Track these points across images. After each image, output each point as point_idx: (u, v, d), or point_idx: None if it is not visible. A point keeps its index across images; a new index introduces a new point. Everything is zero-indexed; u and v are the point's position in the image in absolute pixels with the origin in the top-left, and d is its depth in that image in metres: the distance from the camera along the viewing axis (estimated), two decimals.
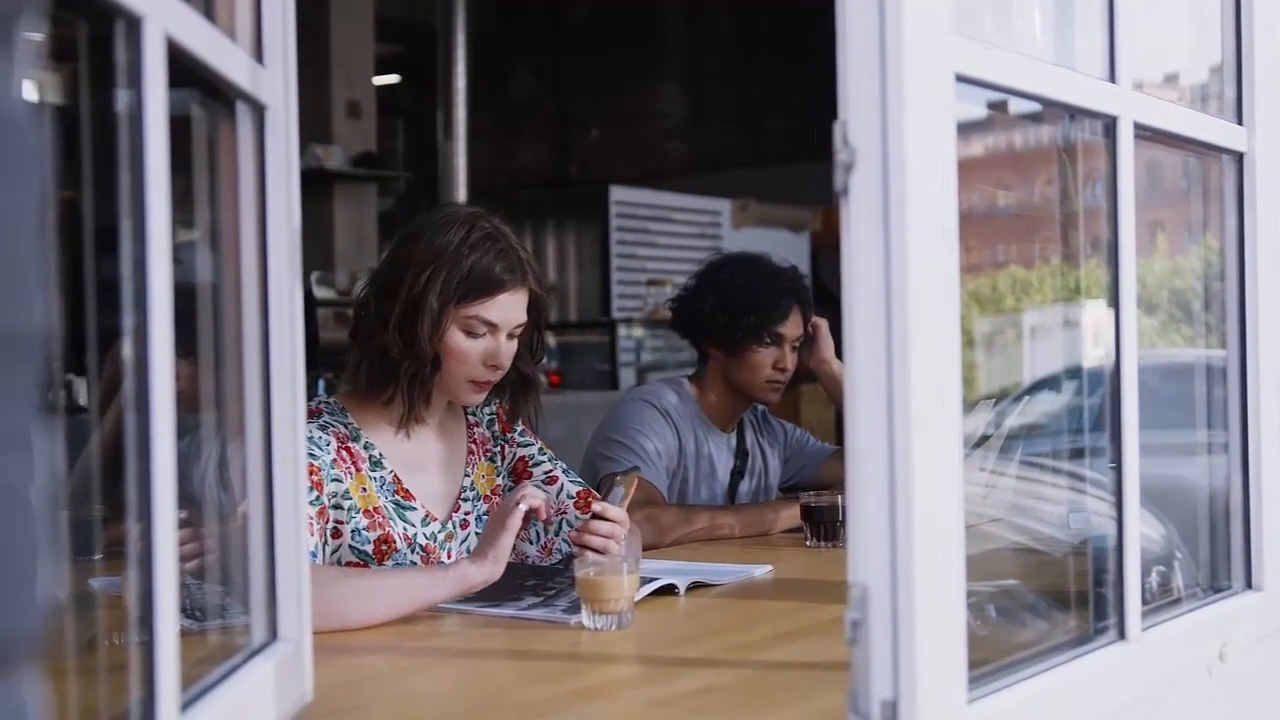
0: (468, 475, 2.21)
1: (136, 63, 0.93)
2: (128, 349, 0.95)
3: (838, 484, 2.87)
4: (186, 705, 1.03)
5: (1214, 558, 1.77)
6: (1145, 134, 1.48)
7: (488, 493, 2.24)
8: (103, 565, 1.72)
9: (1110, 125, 1.43)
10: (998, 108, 1.40)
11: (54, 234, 0.56)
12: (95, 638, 1.29)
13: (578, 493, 2.24)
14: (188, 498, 1.07)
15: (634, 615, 1.79)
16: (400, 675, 1.60)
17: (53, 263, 0.55)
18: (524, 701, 1.47)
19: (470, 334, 2.06)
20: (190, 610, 1.30)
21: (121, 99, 0.95)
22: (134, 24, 0.93)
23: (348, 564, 2.03)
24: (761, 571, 2.25)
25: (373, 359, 2.08)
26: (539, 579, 2.04)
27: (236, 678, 1.18)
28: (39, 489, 0.52)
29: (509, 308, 2.07)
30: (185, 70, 1.06)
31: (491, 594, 1.98)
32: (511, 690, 1.52)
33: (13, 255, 0.51)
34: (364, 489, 2.06)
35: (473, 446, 2.24)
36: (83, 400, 2.47)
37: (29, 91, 0.56)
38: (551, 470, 2.26)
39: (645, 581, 1.94)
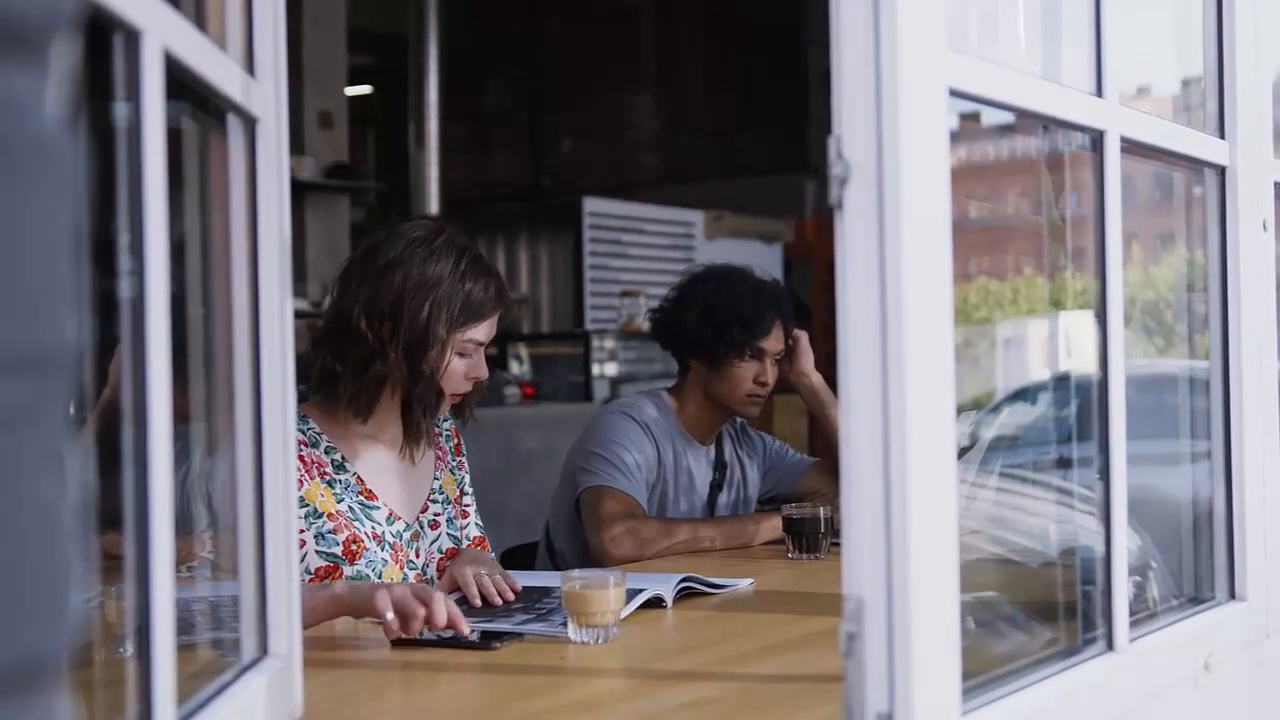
0: (436, 478, 2.29)
1: (135, 76, 0.93)
2: (125, 363, 0.94)
3: (817, 495, 2.87)
4: None
5: (1197, 568, 1.78)
6: (1130, 147, 1.50)
7: (453, 499, 2.31)
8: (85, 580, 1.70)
9: (1098, 139, 1.44)
10: (970, 119, 1.41)
11: (86, 252, 0.56)
12: (89, 648, 1.28)
13: (475, 537, 2.35)
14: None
15: (619, 629, 1.79)
16: (389, 691, 1.59)
17: (84, 281, 0.55)
18: (514, 716, 1.46)
19: (463, 355, 2.16)
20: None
21: (119, 111, 0.94)
22: (133, 37, 0.92)
23: (317, 569, 2.06)
24: (744, 585, 2.25)
25: (368, 381, 2.11)
26: (527, 599, 2.03)
27: (228, 694, 1.17)
28: (70, 506, 0.52)
29: (494, 325, 2.20)
30: (178, 82, 1.05)
31: (483, 614, 1.97)
32: (502, 705, 1.52)
33: (50, 275, 0.51)
34: (322, 494, 2.10)
35: (439, 453, 2.32)
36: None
37: (61, 110, 0.55)
38: (469, 506, 2.37)
39: (632, 595, 1.94)
